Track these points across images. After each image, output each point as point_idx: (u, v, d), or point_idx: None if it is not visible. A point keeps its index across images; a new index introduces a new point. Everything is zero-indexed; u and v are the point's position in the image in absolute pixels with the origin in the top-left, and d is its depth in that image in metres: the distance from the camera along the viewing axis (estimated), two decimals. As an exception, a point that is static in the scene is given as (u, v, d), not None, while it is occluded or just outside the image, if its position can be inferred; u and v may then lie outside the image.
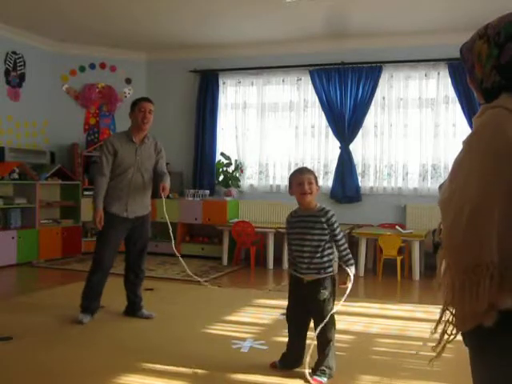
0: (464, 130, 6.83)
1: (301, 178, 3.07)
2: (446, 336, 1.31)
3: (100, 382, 3.02)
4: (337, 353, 3.19)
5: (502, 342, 1.24)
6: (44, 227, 7.21)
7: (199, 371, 3.12)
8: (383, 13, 6.35)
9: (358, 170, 7.43)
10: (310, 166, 7.62)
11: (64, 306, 4.66)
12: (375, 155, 7.41)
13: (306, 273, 3.05)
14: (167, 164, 7.72)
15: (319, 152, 7.65)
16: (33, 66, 7.65)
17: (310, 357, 3.01)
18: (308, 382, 2.98)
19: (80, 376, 3.10)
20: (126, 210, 4.23)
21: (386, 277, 6.33)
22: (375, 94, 7.31)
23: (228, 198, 7.69)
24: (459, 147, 1.35)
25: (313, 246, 3.04)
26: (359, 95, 7.34)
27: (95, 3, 6.21)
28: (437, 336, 1.34)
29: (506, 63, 1.33)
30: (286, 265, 6.52)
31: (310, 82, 7.56)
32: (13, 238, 6.75)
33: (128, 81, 8.42)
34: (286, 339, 3.21)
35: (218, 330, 4.07)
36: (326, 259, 3.05)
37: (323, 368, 3.01)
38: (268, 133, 7.88)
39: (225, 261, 7.15)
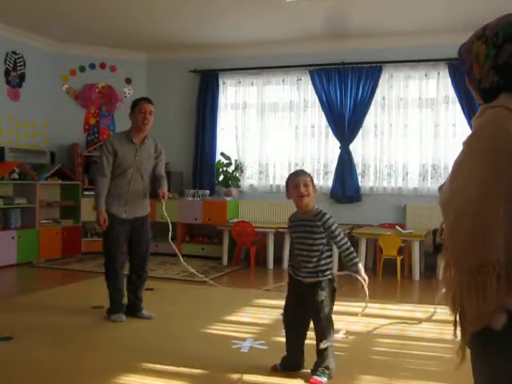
0: (464, 130, 6.83)
1: (297, 181, 3.07)
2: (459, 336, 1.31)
3: (100, 381, 3.02)
4: (337, 353, 3.19)
5: (504, 342, 1.24)
6: (44, 227, 7.21)
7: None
8: (383, 13, 6.35)
9: (358, 170, 7.43)
10: (310, 166, 7.65)
11: (64, 306, 4.67)
12: (375, 155, 7.41)
13: (305, 276, 3.06)
14: (167, 164, 7.80)
15: (319, 152, 7.65)
16: (33, 66, 7.65)
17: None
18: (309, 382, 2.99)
19: (80, 376, 3.10)
20: (124, 210, 4.23)
21: (386, 277, 6.33)
22: (375, 94, 7.31)
23: (228, 198, 7.69)
24: (459, 147, 1.35)
25: (311, 250, 3.04)
26: (359, 95, 7.34)
27: (95, 3, 6.21)
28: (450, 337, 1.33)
29: (503, 63, 1.34)
30: (286, 265, 6.53)
31: (310, 82, 7.56)
32: (13, 238, 6.75)
33: (128, 81, 8.42)
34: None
35: (217, 330, 4.07)
36: (323, 262, 3.04)
37: (322, 368, 3.02)
38: (268, 133, 7.88)
39: (225, 261, 7.15)
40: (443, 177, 7.03)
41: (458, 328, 1.33)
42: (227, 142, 8.09)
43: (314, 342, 3.08)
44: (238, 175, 7.91)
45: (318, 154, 7.65)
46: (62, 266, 6.83)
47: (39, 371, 3.15)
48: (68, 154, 7.98)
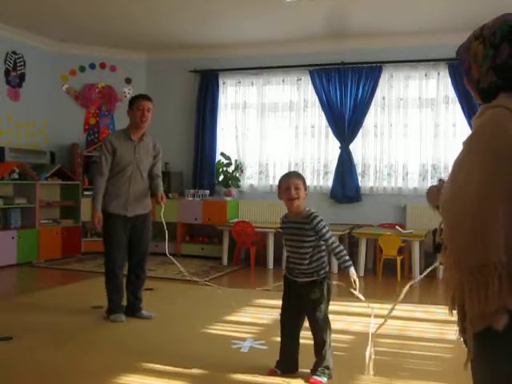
0: (464, 130, 6.83)
1: (287, 183, 3.06)
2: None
3: (100, 381, 3.02)
4: (336, 353, 3.19)
5: (505, 342, 1.24)
6: (44, 227, 7.21)
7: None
8: (383, 13, 6.35)
9: (358, 170, 7.43)
10: (310, 166, 7.66)
11: (64, 306, 4.67)
12: (375, 155, 7.41)
13: (299, 276, 3.06)
14: (167, 164, 7.84)
15: (319, 152, 7.65)
16: (33, 65, 7.64)
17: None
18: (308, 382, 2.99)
19: (80, 376, 3.10)
20: (125, 208, 4.23)
21: (386, 277, 6.33)
22: (375, 94, 7.31)
23: (228, 198, 7.69)
24: (459, 147, 1.35)
25: (301, 252, 3.05)
26: (359, 95, 7.34)
27: (95, 3, 6.20)
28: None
29: (501, 63, 1.34)
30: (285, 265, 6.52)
31: (310, 82, 7.56)
32: (13, 238, 6.75)
33: (128, 81, 8.42)
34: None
35: (217, 329, 4.07)
36: (315, 264, 3.05)
37: (322, 368, 3.01)
38: (268, 133, 7.88)
39: (225, 261, 7.15)
40: (443, 177, 7.03)
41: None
42: (227, 142, 8.09)
43: (310, 342, 3.08)
44: (238, 175, 7.91)
45: (318, 154, 7.65)
46: (61, 266, 6.83)
47: (39, 371, 3.15)
48: (68, 154, 7.98)
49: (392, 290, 5.81)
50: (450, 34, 6.56)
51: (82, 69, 8.20)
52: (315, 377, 3.00)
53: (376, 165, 7.42)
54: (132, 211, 4.26)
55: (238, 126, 8.01)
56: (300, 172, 7.15)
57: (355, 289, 2.96)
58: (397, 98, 7.33)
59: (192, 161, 8.16)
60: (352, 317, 4.50)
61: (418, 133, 7.23)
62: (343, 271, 3.09)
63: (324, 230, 3.02)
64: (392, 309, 1.93)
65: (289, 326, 3.13)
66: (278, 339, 3.21)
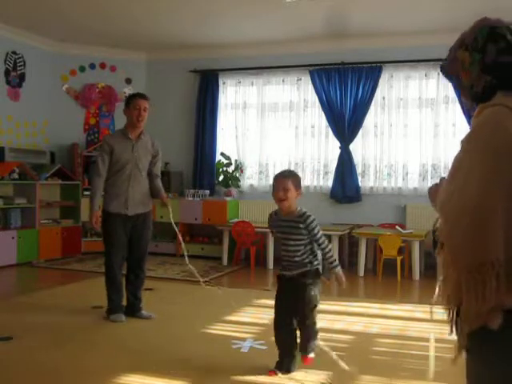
0: (464, 129, 6.82)
1: (277, 185, 3.10)
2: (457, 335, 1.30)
3: (100, 381, 3.02)
4: (336, 353, 3.19)
5: (500, 341, 1.24)
6: (44, 227, 7.21)
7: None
8: (383, 13, 6.35)
9: (358, 170, 7.43)
10: (310, 166, 7.65)
11: (64, 306, 4.67)
12: (375, 155, 7.40)
13: (292, 269, 3.10)
14: (167, 164, 7.84)
15: (319, 152, 7.65)
16: (33, 65, 7.64)
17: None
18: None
19: (80, 376, 3.09)
20: (126, 207, 4.23)
21: (386, 277, 6.33)
22: (375, 94, 7.31)
23: (228, 198, 7.69)
24: (459, 147, 1.35)
25: (293, 250, 3.09)
26: (359, 95, 7.34)
27: (95, 3, 6.20)
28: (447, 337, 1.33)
29: (491, 62, 1.37)
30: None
31: (310, 82, 7.56)
32: (13, 238, 6.75)
33: (128, 81, 8.42)
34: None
35: (218, 330, 4.07)
36: (307, 260, 3.09)
37: (310, 345, 3.11)
38: (268, 133, 7.88)
39: (225, 261, 7.15)
40: (445, 175, 7.02)
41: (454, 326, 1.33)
42: (227, 142, 8.09)
43: (299, 347, 3.12)
44: (238, 175, 7.91)
45: (318, 154, 7.65)
46: (61, 266, 6.83)
47: (39, 371, 3.15)
48: (68, 153, 7.98)
49: (392, 290, 5.81)
50: (450, 34, 6.49)
51: (82, 69, 8.20)
52: (305, 354, 3.11)
53: (376, 165, 7.41)
54: (133, 210, 4.26)
55: (238, 126, 8.01)
56: (299, 172, 7.19)
57: (339, 285, 3.10)
58: (397, 97, 7.33)
59: (192, 161, 8.16)
60: (352, 317, 4.50)
61: (417, 133, 7.23)
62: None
63: (316, 230, 3.07)
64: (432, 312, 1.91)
65: (284, 323, 3.14)
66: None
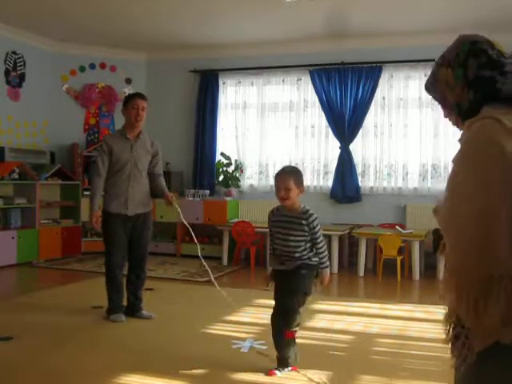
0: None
1: (278, 184, 3.08)
2: (465, 353, 1.27)
3: (100, 381, 3.02)
4: (337, 353, 3.19)
5: (509, 355, 1.21)
6: (44, 227, 7.21)
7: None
8: (383, 13, 6.35)
9: (358, 170, 7.43)
10: (310, 166, 7.65)
11: (64, 306, 4.67)
12: (375, 155, 7.40)
13: (289, 264, 3.11)
14: (167, 164, 7.84)
15: (319, 152, 7.65)
16: (33, 65, 7.64)
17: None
18: None
19: (80, 376, 3.09)
20: (126, 207, 4.23)
21: (386, 277, 6.33)
22: (375, 94, 7.31)
23: (228, 198, 7.69)
24: (458, 147, 1.35)
25: (293, 246, 3.09)
26: (359, 95, 7.34)
27: (95, 3, 6.21)
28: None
29: (474, 77, 1.38)
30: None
31: (310, 82, 7.56)
32: (13, 238, 6.75)
33: (128, 81, 8.42)
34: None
35: (217, 330, 4.07)
36: (306, 256, 3.10)
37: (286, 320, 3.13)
38: (268, 133, 7.88)
39: (225, 261, 7.15)
40: (443, 177, 7.03)
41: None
42: (227, 142, 8.09)
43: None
44: (238, 175, 7.91)
45: (318, 154, 7.65)
46: (61, 266, 6.83)
47: (39, 371, 3.15)
48: (68, 153, 7.98)
49: (392, 290, 5.81)
50: (450, 34, 6.51)
51: (82, 69, 8.20)
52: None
53: (376, 165, 7.42)
54: (133, 210, 4.26)
55: (238, 126, 8.01)
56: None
57: (321, 283, 3.16)
58: (397, 98, 7.33)
59: (192, 161, 8.16)
60: (352, 317, 4.50)
61: (417, 133, 7.23)
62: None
63: (317, 229, 3.10)
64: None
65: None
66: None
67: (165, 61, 8.35)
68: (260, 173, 7.93)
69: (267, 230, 3.03)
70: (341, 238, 6.78)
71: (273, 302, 3.27)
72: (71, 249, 7.51)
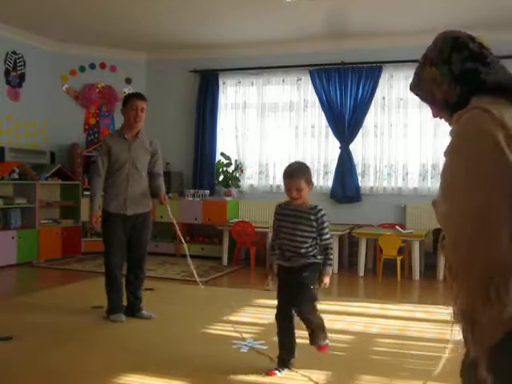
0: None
1: (288, 185, 3.07)
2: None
3: (100, 381, 3.02)
4: (337, 353, 3.19)
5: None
6: (44, 227, 7.21)
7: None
8: (383, 13, 6.35)
9: (358, 170, 7.43)
10: (309, 166, 7.62)
11: (64, 306, 4.67)
12: (375, 155, 7.40)
13: (294, 261, 3.10)
14: (167, 164, 7.83)
15: (319, 152, 7.65)
16: (33, 65, 7.64)
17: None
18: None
19: (80, 376, 3.09)
20: (125, 207, 4.23)
21: (386, 277, 6.33)
22: (375, 94, 7.31)
23: (228, 198, 7.69)
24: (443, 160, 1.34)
25: (300, 241, 3.08)
26: (359, 95, 7.34)
27: (95, 3, 6.20)
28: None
29: (460, 72, 1.38)
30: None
31: (310, 82, 7.56)
32: (13, 238, 6.75)
33: (128, 81, 8.42)
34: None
35: (217, 330, 4.07)
36: (311, 253, 3.09)
37: (317, 336, 3.11)
38: (268, 133, 7.87)
39: (225, 261, 7.15)
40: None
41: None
42: (227, 142, 8.09)
43: (309, 341, 3.12)
44: (238, 175, 7.91)
45: (318, 154, 7.65)
46: (61, 266, 6.83)
47: (39, 371, 3.15)
48: (68, 153, 7.98)
49: (392, 290, 5.81)
50: (450, 34, 6.56)
51: (82, 69, 8.20)
52: (320, 344, 3.12)
53: (376, 165, 7.42)
54: (132, 210, 4.26)
55: (238, 126, 8.01)
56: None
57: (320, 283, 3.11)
58: (397, 98, 7.33)
59: (192, 161, 8.16)
60: (352, 317, 4.50)
61: (417, 133, 7.23)
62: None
63: (325, 225, 3.09)
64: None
65: (285, 319, 3.14)
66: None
67: (165, 61, 8.35)
68: (260, 173, 7.93)
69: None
70: (341, 238, 6.78)
71: (273, 302, 3.26)
72: (71, 249, 7.52)
